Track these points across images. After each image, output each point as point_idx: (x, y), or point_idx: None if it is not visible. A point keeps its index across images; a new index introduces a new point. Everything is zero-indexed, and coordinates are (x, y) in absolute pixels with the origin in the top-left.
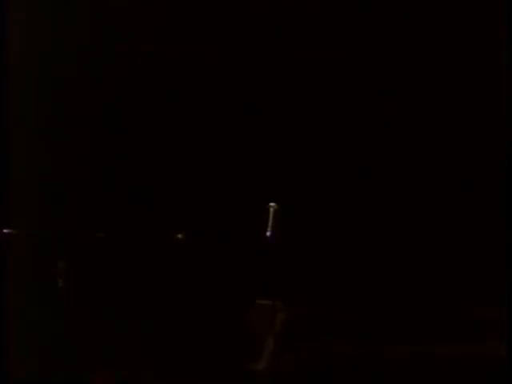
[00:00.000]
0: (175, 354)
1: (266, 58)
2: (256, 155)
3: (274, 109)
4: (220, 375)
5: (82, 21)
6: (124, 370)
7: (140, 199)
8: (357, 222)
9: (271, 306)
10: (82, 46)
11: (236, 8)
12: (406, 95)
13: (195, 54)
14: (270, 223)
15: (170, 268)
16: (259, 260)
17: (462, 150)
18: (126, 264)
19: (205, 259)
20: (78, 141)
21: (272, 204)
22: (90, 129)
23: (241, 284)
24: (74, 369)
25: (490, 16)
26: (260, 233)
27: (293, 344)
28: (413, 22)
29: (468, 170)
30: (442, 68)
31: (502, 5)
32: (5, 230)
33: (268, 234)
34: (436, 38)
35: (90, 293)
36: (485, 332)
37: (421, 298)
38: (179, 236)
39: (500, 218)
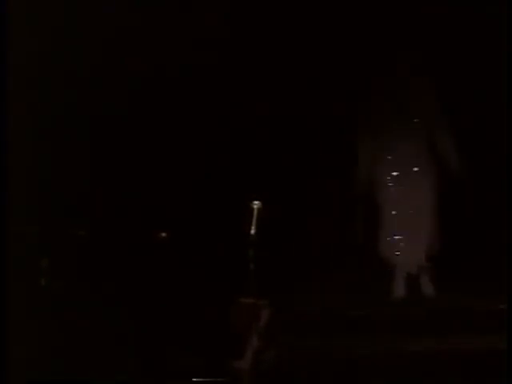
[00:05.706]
0: (157, 353)
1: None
2: (241, 154)
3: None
4: (203, 375)
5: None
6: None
7: (125, 198)
8: (342, 219)
9: (254, 305)
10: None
11: None
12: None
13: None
14: (253, 222)
15: (153, 266)
16: (242, 258)
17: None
18: (109, 263)
19: (188, 257)
20: (70, 141)
21: (256, 202)
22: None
23: (224, 282)
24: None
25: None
26: (244, 231)
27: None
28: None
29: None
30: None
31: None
32: None
33: (252, 232)
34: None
35: (73, 292)
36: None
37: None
38: (162, 234)
39: (500, 212)
